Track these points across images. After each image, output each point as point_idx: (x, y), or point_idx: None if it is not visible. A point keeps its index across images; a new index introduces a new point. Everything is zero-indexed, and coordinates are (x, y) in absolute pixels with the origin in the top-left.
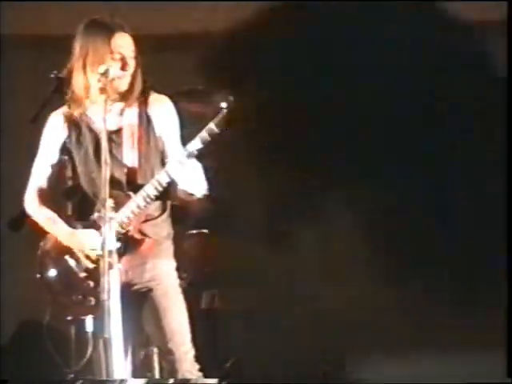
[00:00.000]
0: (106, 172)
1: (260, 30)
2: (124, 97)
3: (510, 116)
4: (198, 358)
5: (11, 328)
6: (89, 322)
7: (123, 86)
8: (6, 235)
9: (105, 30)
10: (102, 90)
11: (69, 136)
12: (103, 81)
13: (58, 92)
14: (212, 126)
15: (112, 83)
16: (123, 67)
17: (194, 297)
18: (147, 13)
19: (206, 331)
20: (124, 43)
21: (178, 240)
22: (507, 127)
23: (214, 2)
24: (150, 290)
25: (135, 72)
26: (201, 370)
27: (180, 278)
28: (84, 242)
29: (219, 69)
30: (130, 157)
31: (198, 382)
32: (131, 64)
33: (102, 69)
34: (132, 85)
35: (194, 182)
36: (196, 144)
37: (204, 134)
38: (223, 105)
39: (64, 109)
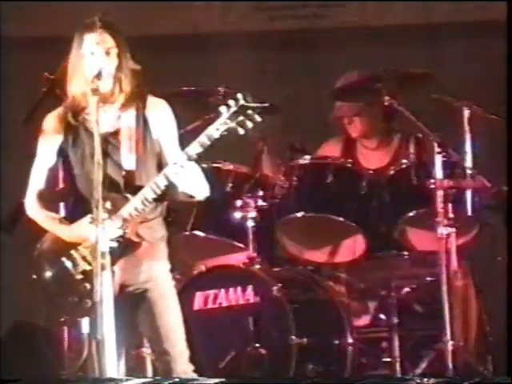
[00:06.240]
0: (98, 173)
1: None
2: (111, 96)
3: (510, 116)
4: (191, 359)
5: (5, 329)
6: (84, 324)
7: (103, 83)
8: (2, 237)
9: (83, 28)
10: (94, 92)
11: (65, 138)
12: (96, 82)
13: (51, 93)
14: (212, 130)
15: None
16: (94, 64)
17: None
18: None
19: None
20: (97, 40)
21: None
22: (507, 127)
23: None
24: (146, 290)
25: (118, 69)
26: (195, 370)
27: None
28: (85, 231)
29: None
30: (127, 159)
31: (199, 382)
32: (106, 60)
33: (94, 70)
34: (115, 83)
35: (194, 184)
36: (195, 148)
37: (203, 138)
38: (223, 109)
39: (59, 110)
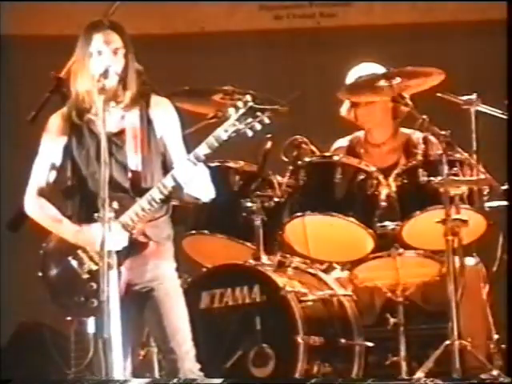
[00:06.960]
0: (105, 172)
1: None
2: (117, 96)
3: (510, 117)
4: (198, 358)
5: (12, 328)
6: (90, 324)
7: (109, 82)
8: (5, 236)
9: (91, 28)
10: (101, 91)
11: (69, 138)
12: (102, 81)
13: (57, 92)
14: (220, 132)
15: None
16: (102, 63)
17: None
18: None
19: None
20: (105, 39)
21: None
22: (508, 128)
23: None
24: (152, 289)
25: (124, 69)
26: (201, 369)
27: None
28: (92, 238)
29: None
30: (132, 159)
31: (202, 382)
32: (113, 60)
33: (101, 69)
34: (121, 82)
35: (200, 187)
36: (203, 149)
37: (211, 139)
38: (231, 111)
39: (64, 110)
